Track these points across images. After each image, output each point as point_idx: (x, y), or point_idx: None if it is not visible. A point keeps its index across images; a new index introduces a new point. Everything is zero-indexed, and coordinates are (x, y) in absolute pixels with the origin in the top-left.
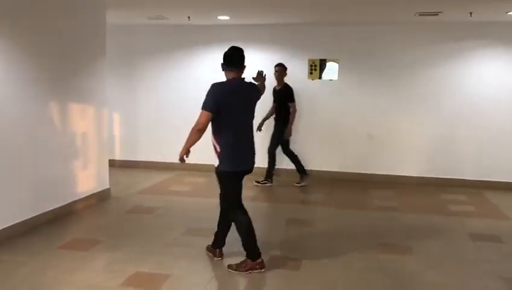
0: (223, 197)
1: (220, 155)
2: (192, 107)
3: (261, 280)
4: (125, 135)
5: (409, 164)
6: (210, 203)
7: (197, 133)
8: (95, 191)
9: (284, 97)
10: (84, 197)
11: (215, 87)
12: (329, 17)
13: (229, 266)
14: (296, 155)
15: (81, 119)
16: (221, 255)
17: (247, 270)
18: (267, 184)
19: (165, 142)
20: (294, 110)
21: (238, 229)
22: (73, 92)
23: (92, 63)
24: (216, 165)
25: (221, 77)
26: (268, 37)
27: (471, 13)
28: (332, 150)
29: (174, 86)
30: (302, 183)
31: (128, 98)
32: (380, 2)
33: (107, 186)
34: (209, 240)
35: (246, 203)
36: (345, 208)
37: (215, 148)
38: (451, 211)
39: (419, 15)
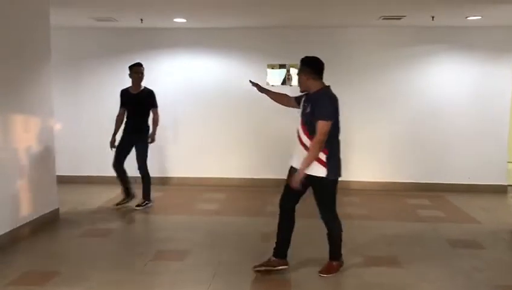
0: (329, 206)
1: (327, 164)
2: None
3: None
4: (69, 147)
5: (369, 169)
6: (174, 221)
7: (321, 146)
8: (43, 213)
9: (146, 102)
10: (31, 221)
11: (330, 95)
12: (289, 20)
13: (325, 272)
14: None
15: (25, 131)
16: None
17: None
18: (148, 205)
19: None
20: (158, 116)
21: (333, 237)
22: (15, 101)
23: (36, 68)
24: (320, 175)
25: (179, 82)
26: (226, 41)
27: (433, 17)
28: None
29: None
30: (146, 203)
31: (73, 106)
32: (344, 5)
33: (56, 206)
34: (185, 264)
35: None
36: (315, 218)
37: (317, 158)
38: (421, 216)
39: (383, 19)
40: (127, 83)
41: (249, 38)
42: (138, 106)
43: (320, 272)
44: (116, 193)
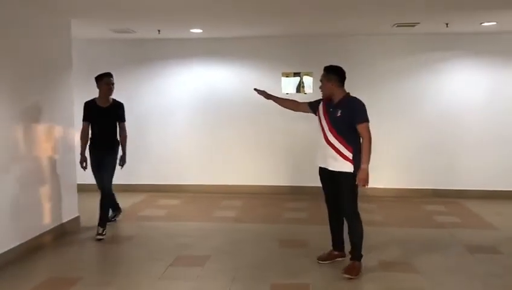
0: (353, 201)
1: (353, 161)
2: (160, 124)
3: None
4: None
5: (385, 176)
6: (193, 228)
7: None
8: (64, 221)
9: (116, 116)
10: (53, 228)
11: (360, 101)
12: (303, 29)
13: (347, 273)
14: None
15: (46, 140)
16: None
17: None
18: (103, 234)
19: (130, 163)
20: (126, 133)
21: (356, 231)
22: (37, 111)
23: (58, 79)
24: (348, 171)
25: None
26: (241, 50)
27: (447, 24)
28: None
29: (143, 103)
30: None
31: None
32: (357, 13)
33: (76, 214)
34: (205, 269)
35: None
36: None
37: (344, 155)
38: (438, 222)
39: (397, 26)
40: (145, 93)
41: (263, 47)
42: (109, 120)
43: (344, 272)
44: (135, 200)
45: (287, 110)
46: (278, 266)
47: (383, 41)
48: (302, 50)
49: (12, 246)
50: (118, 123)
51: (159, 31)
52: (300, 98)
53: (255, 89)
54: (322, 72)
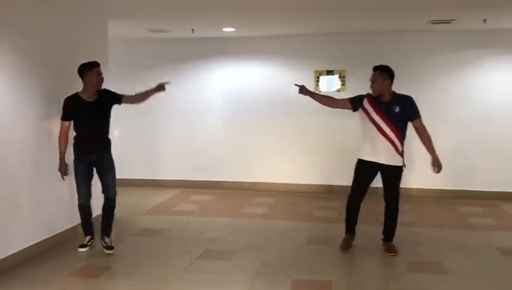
0: (399, 190)
1: (403, 155)
2: (195, 122)
3: None
4: (122, 152)
5: (421, 176)
6: (222, 223)
7: None
8: (99, 213)
9: (108, 107)
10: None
11: None
12: (337, 26)
13: (393, 251)
14: None
15: None
16: None
17: None
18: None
19: (165, 159)
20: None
21: (396, 217)
22: None
23: None
24: (400, 164)
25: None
26: (274, 48)
27: (485, 20)
28: (346, 163)
29: (179, 101)
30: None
31: (127, 114)
32: (392, 10)
33: None
34: (230, 263)
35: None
36: (362, 223)
37: (398, 149)
38: (472, 224)
39: (432, 23)
40: (179, 91)
41: (296, 45)
42: (99, 116)
43: (390, 252)
44: (169, 195)
45: (322, 108)
46: (302, 263)
47: (417, 39)
48: (335, 48)
49: (47, 236)
50: (120, 102)
51: (192, 30)
52: (335, 95)
53: (296, 85)
54: (354, 69)
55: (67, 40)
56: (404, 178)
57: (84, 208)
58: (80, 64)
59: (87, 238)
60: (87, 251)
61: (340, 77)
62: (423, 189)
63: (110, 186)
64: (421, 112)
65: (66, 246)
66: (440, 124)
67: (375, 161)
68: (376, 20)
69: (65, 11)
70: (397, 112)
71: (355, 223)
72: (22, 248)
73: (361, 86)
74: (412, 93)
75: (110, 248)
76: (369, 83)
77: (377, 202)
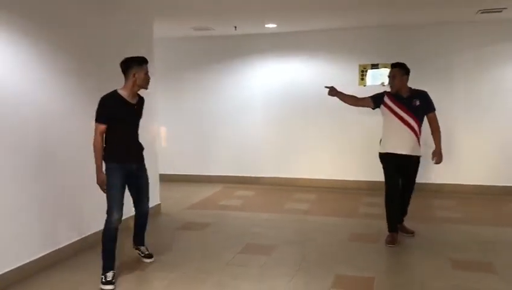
0: (415, 178)
1: (420, 146)
2: (238, 118)
3: None
4: (171, 148)
5: (469, 172)
6: (264, 218)
7: None
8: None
9: (140, 114)
10: None
11: None
12: (381, 20)
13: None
14: None
15: None
16: None
17: None
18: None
19: (212, 155)
20: None
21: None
22: None
23: None
24: (420, 154)
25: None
26: (316, 43)
27: None
28: None
29: (221, 98)
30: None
31: (174, 111)
32: (440, 1)
33: (157, 201)
34: (271, 258)
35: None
36: (406, 219)
37: (419, 140)
38: None
39: (481, 13)
40: (222, 88)
41: (339, 40)
42: (137, 120)
43: (411, 232)
44: (214, 190)
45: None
46: (345, 259)
47: (467, 30)
48: (380, 41)
49: (93, 231)
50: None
51: (235, 27)
52: (380, 89)
53: (326, 87)
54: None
55: (114, 39)
56: (450, 174)
57: (115, 234)
58: (125, 58)
59: (111, 274)
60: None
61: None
62: (468, 185)
63: (147, 201)
64: (470, 104)
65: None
66: (485, 117)
67: (404, 153)
68: (423, 12)
69: (112, 12)
70: (418, 105)
71: (398, 221)
72: (75, 239)
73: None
74: (461, 86)
75: (150, 256)
76: (415, 76)
77: (421, 198)
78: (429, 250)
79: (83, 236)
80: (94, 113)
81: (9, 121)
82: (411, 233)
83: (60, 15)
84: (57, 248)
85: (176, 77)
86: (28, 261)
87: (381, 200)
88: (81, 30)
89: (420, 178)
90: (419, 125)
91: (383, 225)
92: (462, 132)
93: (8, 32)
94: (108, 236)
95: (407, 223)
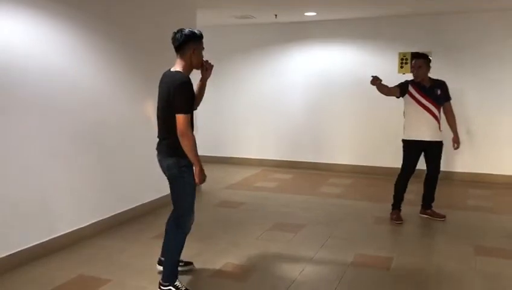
0: (440, 163)
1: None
2: (279, 104)
3: (351, 279)
4: (212, 132)
5: (506, 162)
6: (297, 200)
7: None
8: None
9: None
10: None
11: None
12: (422, 8)
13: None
14: None
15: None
16: None
17: None
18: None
19: (251, 139)
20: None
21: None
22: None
23: None
24: (441, 139)
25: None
26: (355, 31)
27: None
28: None
29: (261, 85)
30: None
31: (215, 96)
32: None
33: None
34: (298, 235)
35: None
36: (436, 207)
37: (440, 126)
38: None
39: None
40: (263, 75)
41: (379, 28)
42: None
43: (440, 216)
44: (252, 172)
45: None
46: (368, 240)
47: (507, 17)
48: (420, 30)
49: (148, 200)
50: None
51: (275, 15)
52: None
53: (372, 76)
54: (440, 51)
55: (158, 32)
56: (487, 165)
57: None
58: (179, 29)
59: (179, 284)
60: None
61: None
62: (505, 175)
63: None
64: (505, 94)
65: (152, 213)
66: None
67: (430, 139)
68: None
69: (157, 5)
70: (439, 94)
71: (402, 200)
72: (121, 210)
73: (447, 68)
74: (499, 76)
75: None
76: (455, 64)
77: (456, 187)
78: (453, 235)
79: (125, 209)
80: (138, 96)
81: (69, 104)
82: (442, 217)
83: (112, 8)
84: (103, 218)
85: (218, 65)
86: (77, 227)
87: (413, 187)
88: (131, 21)
89: (456, 167)
90: (439, 112)
91: (410, 210)
92: (506, 122)
93: (67, 25)
94: (183, 244)
95: (437, 210)
